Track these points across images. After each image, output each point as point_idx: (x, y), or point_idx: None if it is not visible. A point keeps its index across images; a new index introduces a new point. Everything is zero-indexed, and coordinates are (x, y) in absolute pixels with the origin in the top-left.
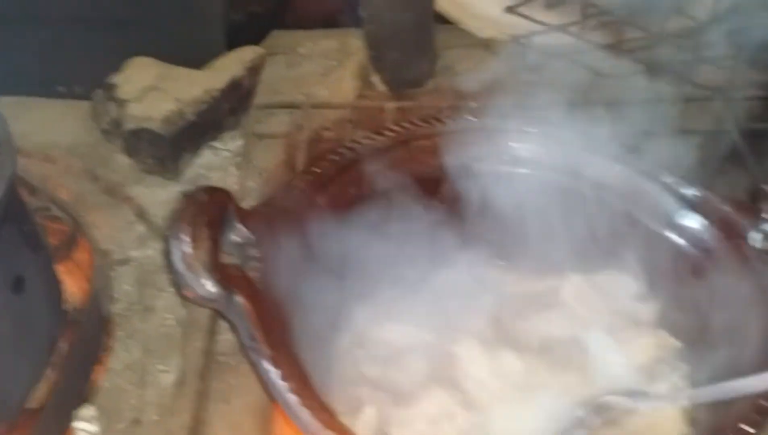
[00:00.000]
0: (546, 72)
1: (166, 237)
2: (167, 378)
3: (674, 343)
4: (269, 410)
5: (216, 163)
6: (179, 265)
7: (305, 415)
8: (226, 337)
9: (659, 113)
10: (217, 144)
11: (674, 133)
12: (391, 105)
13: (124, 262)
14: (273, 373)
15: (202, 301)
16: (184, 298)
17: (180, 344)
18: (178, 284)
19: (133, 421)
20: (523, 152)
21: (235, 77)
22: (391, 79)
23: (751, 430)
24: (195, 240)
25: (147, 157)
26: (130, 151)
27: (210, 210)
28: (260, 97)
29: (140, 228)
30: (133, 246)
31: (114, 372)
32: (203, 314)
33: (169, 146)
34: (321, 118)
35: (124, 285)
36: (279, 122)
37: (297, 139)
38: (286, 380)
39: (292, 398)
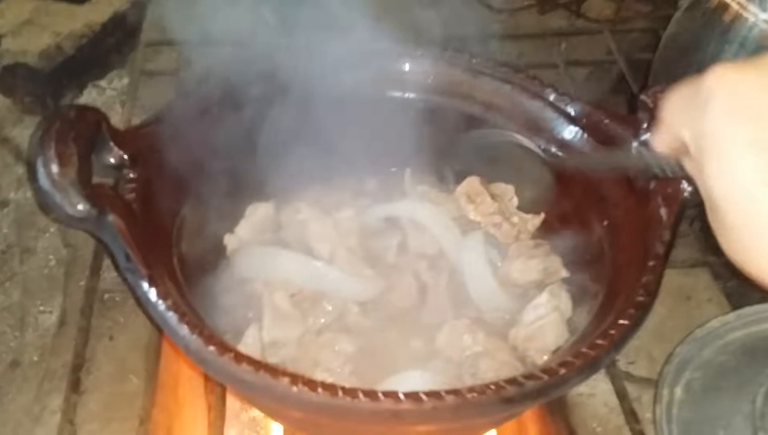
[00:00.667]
0: (442, 7)
1: (30, 155)
2: (49, 319)
3: (555, 256)
4: (156, 346)
5: (100, 102)
6: (45, 184)
7: (185, 331)
8: (112, 275)
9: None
10: (102, 83)
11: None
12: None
13: (3, 204)
14: (151, 292)
15: (72, 222)
16: (55, 220)
17: (62, 284)
18: (45, 205)
19: (11, 363)
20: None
21: (117, 11)
22: (281, 16)
23: (627, 322)
24: (62, 157)
25: (25, 95)
26: (6, 89)
27: (79, 127)
28: (148, 33)
29: (19, 169)
30: (11, 188)
31: None
32: (87, 252)
33: (48, 83)
34: (211, 55)
35: (3, 228)
36: (168, 59)
37: (186, 75)
38: (165, 298)
39: (171, 316)
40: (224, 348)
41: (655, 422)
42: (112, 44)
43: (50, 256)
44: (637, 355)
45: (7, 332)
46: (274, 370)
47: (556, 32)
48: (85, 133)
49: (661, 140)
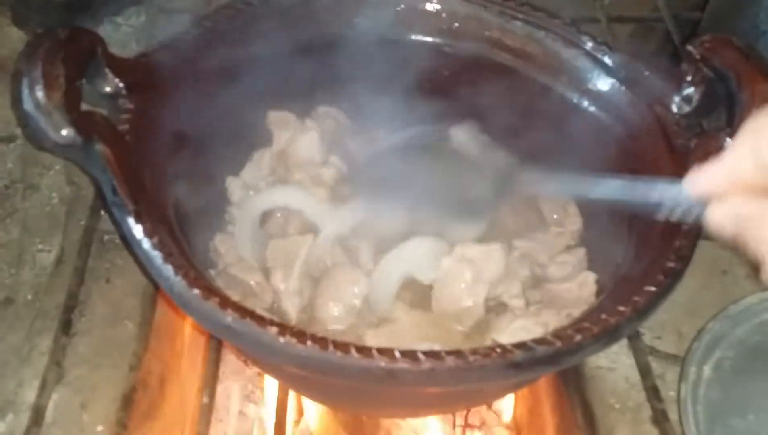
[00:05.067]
0: None
1: (14, 74)
2: (47, 257)
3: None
4: (152, 290)
5: (116, 39)
6: (29, 106)
7: (169, 272)
8: None
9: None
10: (118, 19)
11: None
12: None
13: (10, 139)
14: (136, 228)
15: (57, 149)
16: (40, 147)
17: (63, 223)
18: (28, 128)
19: (4, 301)
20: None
21: None
22: None
23: (654, 289)
24: (49, 79)
25: (37, 28)
26: (19, 20)
27: (71, 49)
28: None
29: None
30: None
31: None
32: (90, 192)
33: (62, 15)
34: None
35: (7, 163)
36: None
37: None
38: (150, 236)
39: (156, 255)
40: (209, 292)
41: (679, 402)
42: None
43: (53, 193)
44: (663, 330)
45: (3, 269)
46: (260, 319)
47: None
48: (76, 55)
49: (717, 172)
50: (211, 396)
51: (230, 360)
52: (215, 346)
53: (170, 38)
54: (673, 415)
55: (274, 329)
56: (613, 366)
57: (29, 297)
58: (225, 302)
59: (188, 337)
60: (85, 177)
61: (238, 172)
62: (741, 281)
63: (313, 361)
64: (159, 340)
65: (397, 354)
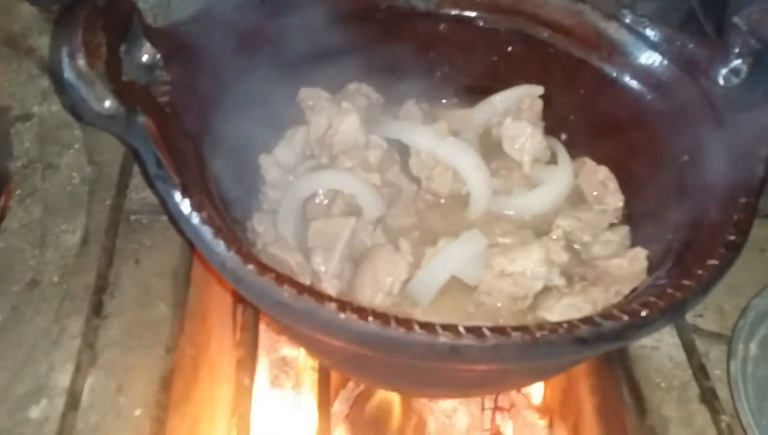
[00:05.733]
0: None
1: (54, 43)
2: (71, 238)
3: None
4: (185, 272)
5: None
6: (70, 75)
7: (221, 248)
8: (139, 195)
9: None
10: None
11: None
12: None
13: (26, 117)
14: (184, 203)
15: (99, 120)
16: (78, 118)
17: (86, 203)
18: (69, 99)
19: (30, 282)
20: None
21: None
22: None
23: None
24: (90, 47)
25: (51, 3)
26: None
27: (110, 17)
28: None
29: (44, 82)
30: (35, 101)
31: (10, 232)
32: (113, 171)
33: None
34: None
35: (25, 142)
36: None
37: None
38: (199, 210)
39: (206, 230)
40: (264, 267)
41: (729, 379)
42: None
43: (74, 173)
44: (705, 309)
45: (26, 250)
46: (319, 295)
47: None
48: (115, 24)
49: None
50: (251, 377)
51: (263, 340)
52: (252, 327)
53: (203, 9)
54: (721, 393)
55: (333, 305)
56: (657, 345)
57: (55, 279)
58: (281, 278)
59: (219, 316)
60: (107, 155)
61: (270, 150)
62: None
63: (375, 337)
64: (191, 321)
65: (462, 329)
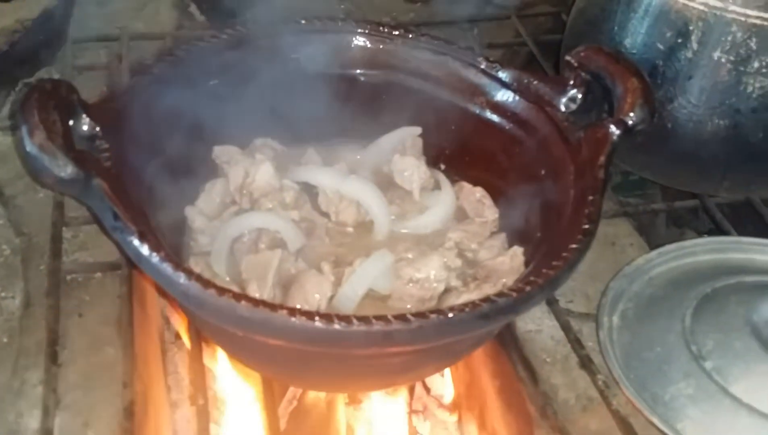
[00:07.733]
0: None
1: (16, 124)
2: (12, 303)
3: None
4: (125, 318)
5: None
6: (33, 149)
7: (182, 279)
8: (71, 258)
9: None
10: (33, 80)
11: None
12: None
13: None
14: (143, 247)
15: (60, 185)
16: (43, 184)
17: (21, 270)
18: (34, 169)
19: None
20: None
21: (47, 7)
22: (208, 9)
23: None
24: (47, 123)
25: None
26: None
27: (57, 97)
28: (74, 31)
29: None
30: None
31: None
32: (43, 239)
33: None
34: (140, 50)
35: None
36: (96, 55)
37: (119, 70)
38: (157, 251)
39: (166, 266)
40: (222, 290)
41: (600, 347)
42: (42, 41)
43: (3, 246)
44: (574, 294)
45: None
46: (272, 305)
47: (468, 18)
48: (62, 103)
49: None
50: (205, 397)
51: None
52: (196, 357)
53: (127, 84)
54: (595, 359)
55: (284, 311)
56: (539, 328)
57: (5, 340)
58: (238, 296)
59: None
60: (34, 225)
61: (193, 202)
62: (627, 249)
63: (322, 333)
64: (141, 360)
65: (391, 317)
